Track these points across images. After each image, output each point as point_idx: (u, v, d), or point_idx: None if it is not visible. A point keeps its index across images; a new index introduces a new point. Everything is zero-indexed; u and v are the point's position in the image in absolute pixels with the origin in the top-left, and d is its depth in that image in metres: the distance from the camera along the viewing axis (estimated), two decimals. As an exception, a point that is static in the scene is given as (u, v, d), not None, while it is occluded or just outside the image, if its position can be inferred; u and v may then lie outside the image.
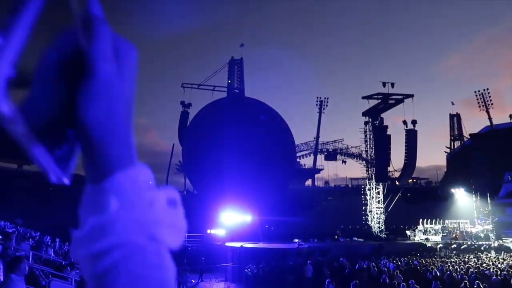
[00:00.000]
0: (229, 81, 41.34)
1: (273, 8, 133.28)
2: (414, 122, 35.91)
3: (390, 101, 36.52)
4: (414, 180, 53.62)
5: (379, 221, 37.05)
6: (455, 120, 52.70)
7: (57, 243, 17.03)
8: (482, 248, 29.94)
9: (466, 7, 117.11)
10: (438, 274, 13.32)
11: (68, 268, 8.14)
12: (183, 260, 21.20)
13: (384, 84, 35.64)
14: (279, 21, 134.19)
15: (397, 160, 62.63)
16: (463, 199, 40.80)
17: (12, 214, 25.58)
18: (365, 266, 16.61)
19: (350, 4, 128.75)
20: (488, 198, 38.78)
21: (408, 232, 36.00)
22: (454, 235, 34.36)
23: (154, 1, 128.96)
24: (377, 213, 37.28)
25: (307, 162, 56.98)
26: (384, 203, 37.42)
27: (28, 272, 5.91)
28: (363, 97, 36.55)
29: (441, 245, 32.02)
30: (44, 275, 7.60)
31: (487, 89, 49.66)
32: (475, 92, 49.93)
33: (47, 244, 14.98)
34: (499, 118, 47.99)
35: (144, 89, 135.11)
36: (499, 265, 16.83)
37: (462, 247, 30.75)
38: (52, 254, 12.53)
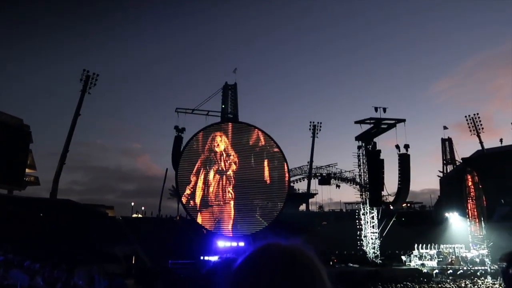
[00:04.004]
0: (223, 106, 41.63)
1: (266, 34, 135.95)
2: (406, 147, 36.16)
3: (383, 126, 36.89)
4: (408, 204, 53.59)
5: (374, 246, 36.72)
6: (447, 145, 53.27)
7: (46, 271, 16.60)
8: (478, 274, 29.70)
9: (456, 32, 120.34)
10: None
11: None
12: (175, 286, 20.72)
13: (376, 109, 36.09)
14: (273, 47, 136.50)
15: (391, 184, 62.84)
16: (457, 223, 40.74)
17: (1, 240, 24.98)
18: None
19: (342, 30, 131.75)
20: (482, 222, 38.75)
21: (403, 258, 35.66)
22: (450, 260, 34.10)
23: (148, 27, 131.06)
24: (372, 238, 36.98)
25: (301, 186, 56.93)
26: (379, 228, 37.19)
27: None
28: (356, 122, 36.92)
29: (437, 270, 31.73)
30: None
31: (477, 114, 50.50)
32: (466, 116, 50.74)
33: (36, 271, 14.62)
34: (490, 142, 48.66)
35: (138, 113, 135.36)
36: (496, 291, 16.66)
37: (458, 273, 30.51)
38: (41, 282, 12.21)
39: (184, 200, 34.84)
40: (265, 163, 36.98)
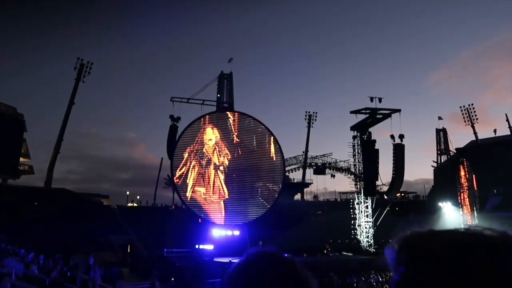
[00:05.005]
0: (218, 95, 41.44)
1: (262, 24, 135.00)
2: (401, 137, 36.26)
3: (378, 116, 36.92)
4: (402, 194, 53.99)
5: (368, 235, 37.09)
6: (442, 135, 53.49)
7: (41, 259, 16.63)
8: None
9: (452, 23, 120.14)
10: None
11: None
12: (170, 276, 20.86)
13: (371, 99, 36.07)
14: (268, 37, 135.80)
15: (385, 174, 63.19)
16: (450, 213, 41.18)
17: (-4, 229, 24.94)
18: (354, 281, 16.59)
19: (338, 21, 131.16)
20: (475, 212, 39.21)
21: (397, 246, 36.01)
22: (442, 249, 34.51)
23: (143, 16, 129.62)
24: (366, 227, 37.32)
25: (296, 176, 57.12)
26: (372, 217, 37.51)
27: (11, 290, 5.77)
28: (351, 112, 36.93)
29: (429, 259, 32.11)
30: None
31: (472, 104, 50.68)
32: (461, 107, 50.91)
33: (31, 259, 14.65)
34: (485, 132, 48.95)
35: (134, 103, 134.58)
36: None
37: (450, 261, 30.87)
38: (36, 271, 12.24)
39: (179, 189, 34.88)
40: (261, 152, 37.02)
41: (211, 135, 36.05)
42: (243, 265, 1.07)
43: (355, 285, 20.88)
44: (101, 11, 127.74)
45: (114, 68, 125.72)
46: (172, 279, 20.53)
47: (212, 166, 35.56)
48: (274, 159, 37.05)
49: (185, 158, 35.11)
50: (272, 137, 37.18)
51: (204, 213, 34.74)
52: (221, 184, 35.18)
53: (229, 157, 35.83)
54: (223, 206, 34.91)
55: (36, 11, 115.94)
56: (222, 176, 35.38)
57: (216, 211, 34.75)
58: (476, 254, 0.70)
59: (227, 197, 35.03)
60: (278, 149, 37.47)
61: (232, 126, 36.73)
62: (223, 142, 36.17)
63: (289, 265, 1.02)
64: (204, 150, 35.62)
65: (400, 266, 0.80)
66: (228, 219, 34.79)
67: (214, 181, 35.20)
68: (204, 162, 35.47)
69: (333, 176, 55.20)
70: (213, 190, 35.07)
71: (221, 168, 35.62)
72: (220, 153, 35.86)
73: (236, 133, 36.57)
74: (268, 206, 35.86)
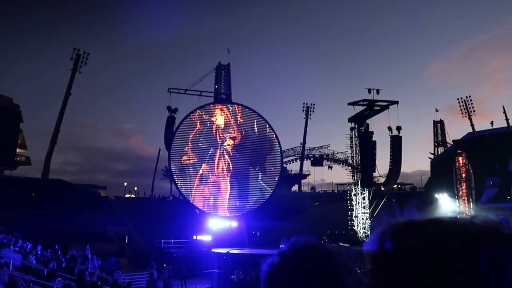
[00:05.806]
0: (216, 86, 41.21)
1: (260, 15, 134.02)
2: (399, 128, 36.33)
3: (376, 108, 36.92)
4: (399, 186, 54.19)
5: (365, 227, 37.32)
6: (439, 127, 53.53)
7: (39, 250, 16.68)
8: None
9: (451, 15, 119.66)
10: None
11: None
12: (168, 266, 20.97)
13: (369, 90, 36.04)
14: (266, 28, 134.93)
15: (382, 165, 63.25)
16: (446, 204, 41.43)
17: (-7, 220, 24.93)
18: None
19: (335, 12, 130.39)
20: (471, 204, 39.45)
21: (393, 237, 36.29)
22: (438, 240, 34.81)
23: (140, 6, 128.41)
24: (362, 219, 37.54)
25: (293, 167, 57.16)
26: (369, 209, 37.70)
27: (8, 281, 5.78)
28: (349, 103, 36.89)
29: (425, 250, 32.38)
30: (26, 284, 7.45)
31: (469, 96, 50.68)
32: (458, 99, 50.88)
33: (29, 250, 14.67)
34: (482, 124, 48.98)
35: (131, 94, 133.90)
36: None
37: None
38: (34, 261, 12.26)
39: (176, 179, 34.89)
40: (259, 144, 37.03)
41: (218, 119, 36.19)
42: (290, 256, 1.00)
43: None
44: (98, 1, 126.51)
45: (111, 59, 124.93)
46: (166, 265, 20.63)
47: (217, 151, 35.64)
48: (275, 143, 37.40)
49: (184, 146, 35.07)
50: (260, 142, 37.35)
51: (203, 202, 34.80)
52: (225, 168, 35.33)
53: (235, 141, 36.00)
54: (228, 190, 35.03)
55: (32, 1, 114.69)
56: (228, 159, 35.54)
57: (217, 199, 34.84)
58: (452, 251, 0.62)
59: (231, 181, 35.22)
60: (276, 136, 37.71)
61: (236, 109, 36.99)
62: (227, 126, 36.28)
63: (325, 258, 0.98)
64: (208, 135, 35.67)
65: (377, 264, 0.75)
66: (230, 206, 34.87)
67: (217, 166, 35.35)
68: (206, 148, 35.48)
69: (330, 167, 55.30)
70: (215, 175, 35.18)
71: (228, 150, 35.73)
72: (225, 137, 35.96)
73: (239, 114, 36.79)
74: (270, 191, 36.05)
